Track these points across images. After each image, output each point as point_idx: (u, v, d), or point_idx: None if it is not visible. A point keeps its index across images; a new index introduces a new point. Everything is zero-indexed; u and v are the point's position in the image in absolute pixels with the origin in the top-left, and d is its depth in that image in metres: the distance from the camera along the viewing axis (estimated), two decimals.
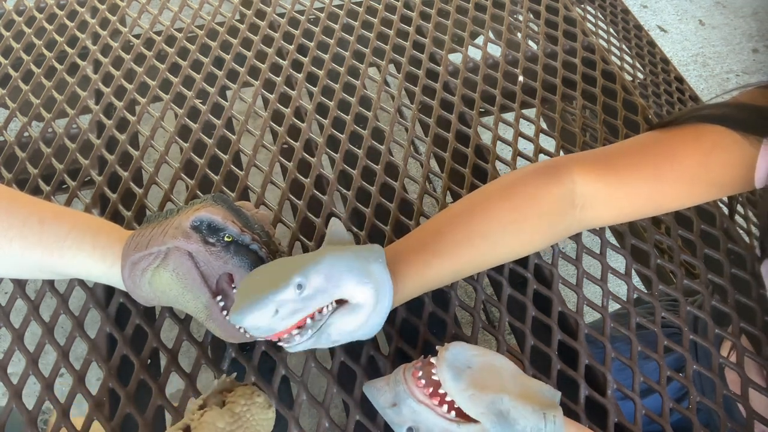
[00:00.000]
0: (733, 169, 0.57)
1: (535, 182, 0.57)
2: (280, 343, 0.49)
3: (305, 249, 0.65)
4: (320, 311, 0.48)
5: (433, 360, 0.46)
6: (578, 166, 0.57)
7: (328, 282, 0.47)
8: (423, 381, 0.46)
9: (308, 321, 0.47)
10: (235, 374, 0.48)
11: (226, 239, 0.50)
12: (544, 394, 0.47)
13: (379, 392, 0.49)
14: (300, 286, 0.46)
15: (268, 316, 0.45)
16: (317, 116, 0.77)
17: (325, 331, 0.48)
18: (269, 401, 0.47)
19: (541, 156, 0.76)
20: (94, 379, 0.55)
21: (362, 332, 0.50)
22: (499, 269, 0.64)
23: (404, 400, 0.46)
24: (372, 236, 0.66)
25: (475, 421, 0.44)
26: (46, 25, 0.87)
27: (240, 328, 0.52)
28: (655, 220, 0.72)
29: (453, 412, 0.46)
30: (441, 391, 0.46)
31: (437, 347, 0.47)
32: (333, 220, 0.56)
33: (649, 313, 0.65)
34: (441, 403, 0.46)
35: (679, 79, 0.97)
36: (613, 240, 0.70)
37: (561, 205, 0.57)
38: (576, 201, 0.57)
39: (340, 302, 0.48)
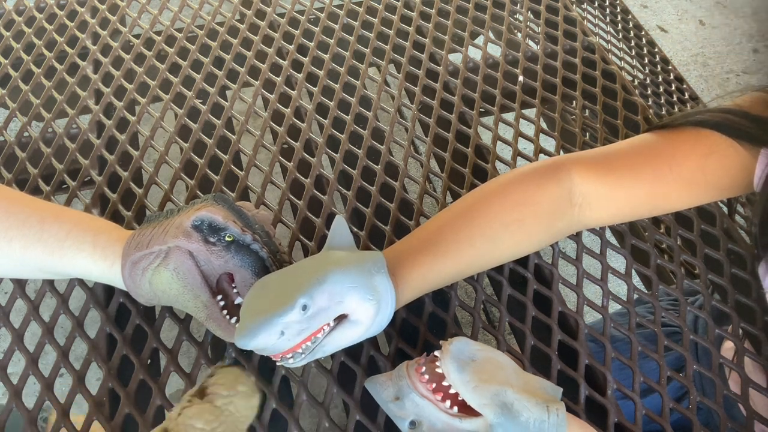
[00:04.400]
0: (731, 173, 0.57)
1: (534, 181, 0.57)
2: (276, 361, 0.49)
3: (305, 249, 0.65)
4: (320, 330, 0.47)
5: (437, 353, 0.47)
6: (577, 165, 0.57)
7: (331, 300, 0.47)
8: (426, 376, 0.46)
9: (303, 345, 0.47)
10: (226, 361, 0.46)
11: (227, 239, 0.50)
12: (546, 390, 0.47)
13: (382, 387, 0.49)
14: (305, 307, 0.45)
15: (274, 338, 0.45)
16: (317, 116, 0.77)
17: (320, 349, 0.48)
18: (254, 387, 0.44)
19: (541, 156, 0.76)
20: (94, 379, 0.55)
21: (359, 341, 0.50)
22: (499, 269, 0.64)
23: (407, 395, 0.46)
24: (372, 236, 0.66)
25: (478, 416, 0.45)
26: (46, 25, 0.87)
27: None
28: (655, 220, 0.72)
29: (455, 408, 0.46)
30: (445, 383, 0.46)
31: (441, 341, 0.47)
32: (337, 218, 0.56)
33: (650, 312, 0.65)
34: (444, 399, 0.46)
35: (680, 79, 0.97)
36: (613, 240, 0.70)
37: (560, 204, 0.57)
38: (574, 200, 0.57)
39: (339, 317, 0.48)
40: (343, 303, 0.47)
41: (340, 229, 0.55)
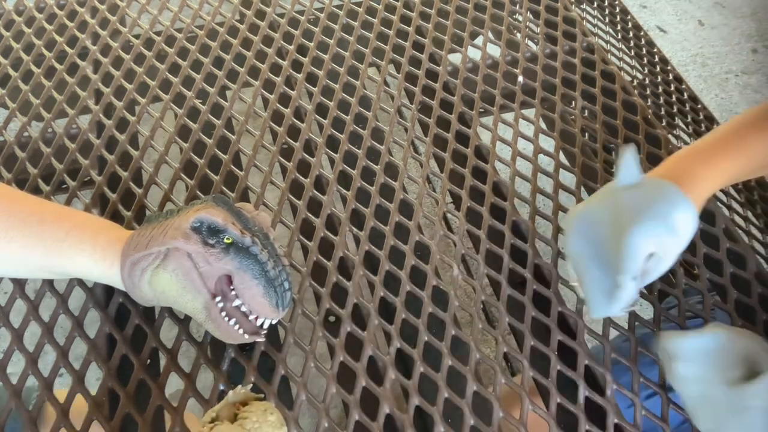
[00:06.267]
0: None
1: None
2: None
3: (305, 249, 0.65)
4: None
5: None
6: None
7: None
8: None
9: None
10: (250, 386, 0.49)
11: (225, 241, 0.50)
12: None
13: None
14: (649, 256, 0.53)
15: (633, 287, 0.53)
16: (317, 116, 0.77)
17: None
18: (282, 420, 0.48)
19: (541, 156, 0.76)
20: (94, 379, 0.55)
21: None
22: (498, 269, 0.64)
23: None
24: (372, 236, 0.66)
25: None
26: (46, 25, 0.87)
27: (238, 328, 0.52)
28: None
29: None
30: None
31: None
32: (627, 152, 0.56)
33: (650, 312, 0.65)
34: None
35: (679, 79, 0.97)
36: None
37: None
38: None
39: None
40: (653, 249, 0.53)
41: (629, 163, 0.56)
